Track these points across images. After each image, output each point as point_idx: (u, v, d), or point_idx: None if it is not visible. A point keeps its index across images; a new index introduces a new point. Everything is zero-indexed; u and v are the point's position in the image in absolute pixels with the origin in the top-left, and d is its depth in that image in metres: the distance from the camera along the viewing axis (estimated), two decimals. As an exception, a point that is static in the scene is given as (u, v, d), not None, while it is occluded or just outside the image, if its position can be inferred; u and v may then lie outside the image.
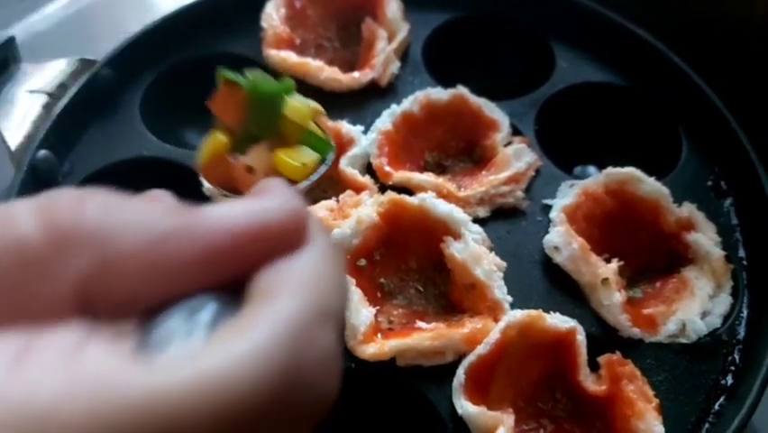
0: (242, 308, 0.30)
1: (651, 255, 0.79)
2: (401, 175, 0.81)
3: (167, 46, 0.93)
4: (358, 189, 0.80)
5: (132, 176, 0.84)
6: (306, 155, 0.54)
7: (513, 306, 0.71)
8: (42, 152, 0.81)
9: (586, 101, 0.93)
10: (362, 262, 0.74)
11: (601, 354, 0.68)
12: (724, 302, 0.74)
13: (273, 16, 0.94)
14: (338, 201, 0.78)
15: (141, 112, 0.89)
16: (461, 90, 0.87)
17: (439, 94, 0.87)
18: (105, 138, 0.86)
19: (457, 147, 0.89)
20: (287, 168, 0.53)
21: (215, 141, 0.55)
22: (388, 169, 0.82)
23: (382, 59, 0.90)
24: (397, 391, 0.69)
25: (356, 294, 0.70)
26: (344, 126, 0.85)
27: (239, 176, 0.53)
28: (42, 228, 0.28)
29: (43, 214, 0.29)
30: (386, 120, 0.85)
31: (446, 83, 0.90)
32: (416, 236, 0.76)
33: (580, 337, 0.68)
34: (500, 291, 0.71)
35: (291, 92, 0.56)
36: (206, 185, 0.80)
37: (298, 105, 0.55)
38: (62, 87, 0.88)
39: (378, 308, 0.72)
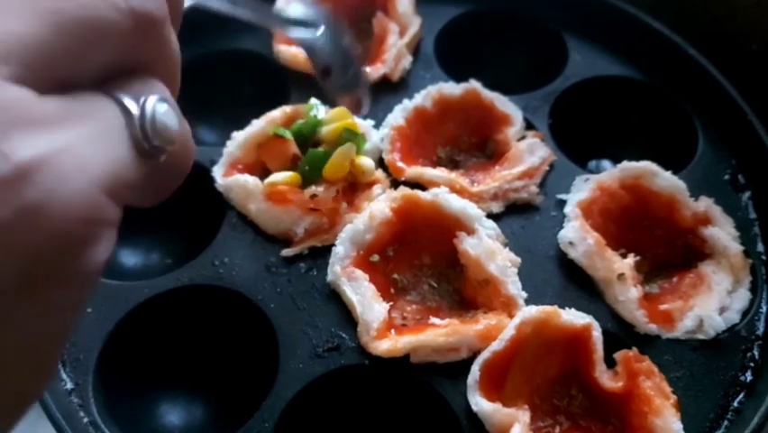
0: None
1: (667, 250, 0.78)
2: (414, 170, 0.80)
3: (180, 41, 0.93)
4: (370, 184, 0.79)
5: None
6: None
7: (528, 302, 0.70)
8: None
9: (600, 95, 0.92)
10: (375, 257, 0.74)
11: (618, 351, 0.67)
12: (742, 297, 0.73)
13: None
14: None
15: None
16: (474, 85, 0.87)
17: (451, 88, 0.87)
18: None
19: (470, 142, 0.88)
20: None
21: (293, 178, 0.76)
22: (400, 164, 0.81)
23: (394, 53, 0.90)
24: (410, 387, 0.68)
25: (369, 290, 0.70)
26: (355, 121, 0.84)
27: (305, 199, 0.75)
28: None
29: None
30: (398, 115, 0.85)
31: (459, 77, 0.89)
32: (430, 232, 0.75)
33: (596, 333, 0.67)
34: (515, 287, 0.70)
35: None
36: (219, 181, 0.80)
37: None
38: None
39: (391, 303, 0.71)
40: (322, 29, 0.66)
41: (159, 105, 0.33)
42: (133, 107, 0.32)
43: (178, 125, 0.35)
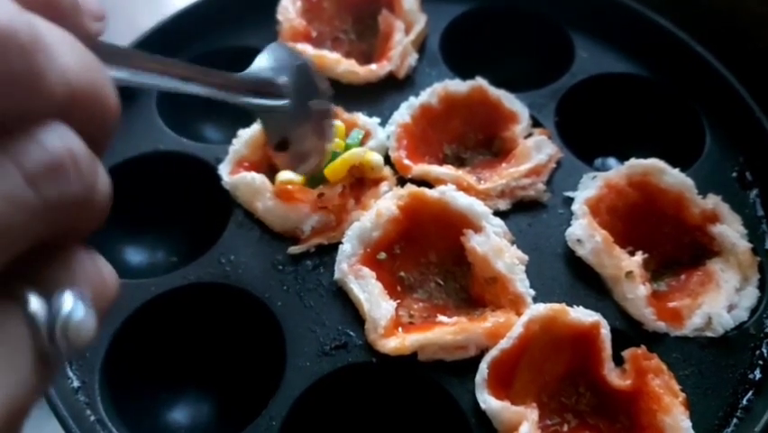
0: None
1: (675, 248, 0.78)
2: (420, 168, 0.80)
3: (183, 40, 0.93)
4: (377, 181, 0.79)
5: (149, 170, 0.84)
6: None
7: (536, 299, 0.70)
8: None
9: (607, 92, 0.91)
10: (382, 255, 0.74)
11: (626, 349, 0.67)
12: (751, 295, 0.72)
13: (289, 9, 0.93)
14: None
15: (157, 106, 0.89)
16: (480, 82, 0.86)
17: (458, 86, 0.86)
18: (122, 133, 0.85)
19: (476, 139, 0.88)
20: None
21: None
22: (407, 162, 0.81)
23: (399, 51, 0.89)
24: (418, 385, 0.68)
25: (376, 288, 0.70)
26: (360, 118, 0.84)
27: (312, 196, 0.76)
28: None
29: None
30: (404, 112, 0.84)
31: (465, 75, 0.89)
32: (436, 230, 0.75)
33: (605, 331, 0.67)
34: (522, 285, 0.70)
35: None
36: (226, 179, 0.79)
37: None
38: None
39: (398, 301, 0.71)
40: (287, 101, 0.60)
41: (75, 307, 0.28)
42: (41, 312, 0.27)
43: (95, 326, 0.29)
